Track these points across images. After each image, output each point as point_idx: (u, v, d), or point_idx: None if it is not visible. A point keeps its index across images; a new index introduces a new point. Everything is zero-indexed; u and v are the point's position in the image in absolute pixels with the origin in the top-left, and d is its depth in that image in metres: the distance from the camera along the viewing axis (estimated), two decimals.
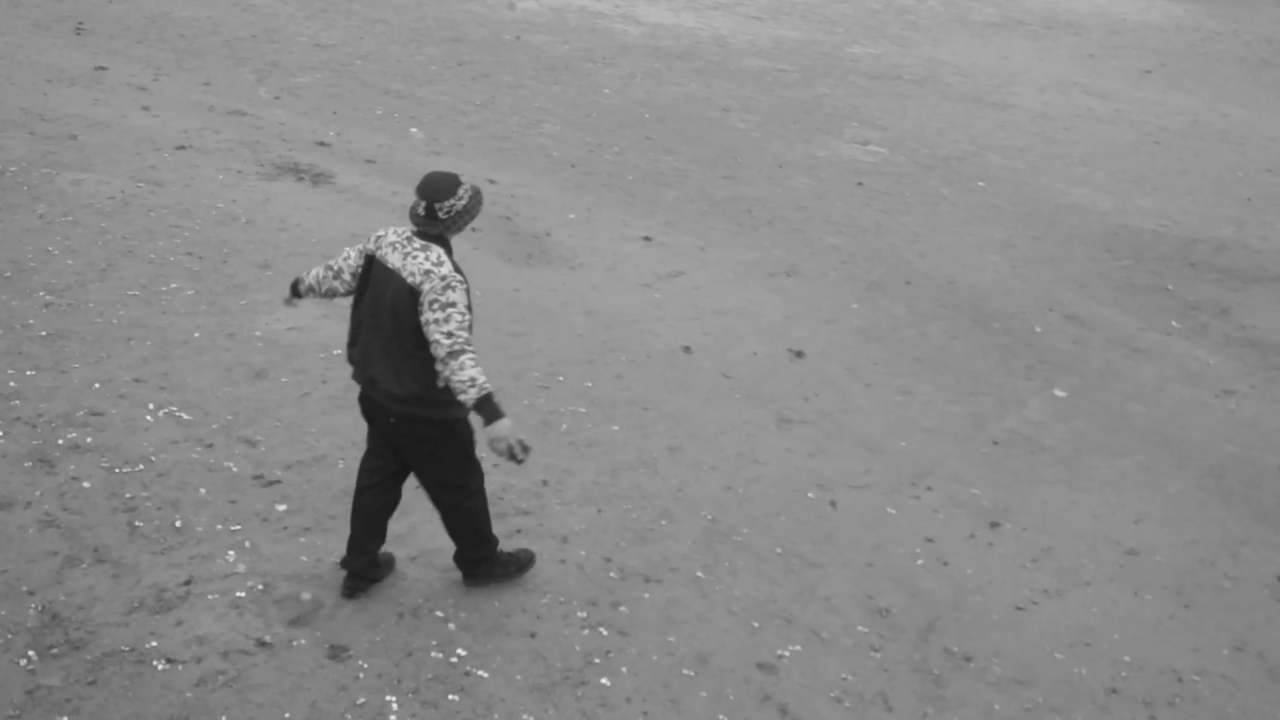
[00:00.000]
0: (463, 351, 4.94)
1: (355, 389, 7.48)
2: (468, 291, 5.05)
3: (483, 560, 5.77)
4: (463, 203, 5.06)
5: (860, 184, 13.58)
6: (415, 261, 4.98)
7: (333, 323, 8.34)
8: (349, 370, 7.65)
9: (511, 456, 5.08)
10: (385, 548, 5.87)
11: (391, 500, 5.62)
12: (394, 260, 5.04)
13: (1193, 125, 19.06)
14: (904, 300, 10.45)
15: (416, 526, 6.28)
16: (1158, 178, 15.66)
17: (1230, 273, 12.36)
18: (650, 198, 12.16)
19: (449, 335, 4.93)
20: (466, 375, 4.94)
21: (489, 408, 4.98)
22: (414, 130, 13.23)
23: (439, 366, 5.00)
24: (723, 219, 11.84)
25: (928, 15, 25.50)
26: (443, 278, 4.94)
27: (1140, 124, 18.58)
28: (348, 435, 6.98)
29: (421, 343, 5.04)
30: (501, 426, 5.00)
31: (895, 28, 24.01)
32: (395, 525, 6.27)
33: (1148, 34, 26.30)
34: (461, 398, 4.97)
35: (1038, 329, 10.27)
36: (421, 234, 5.09)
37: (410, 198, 11.04)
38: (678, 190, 12.50)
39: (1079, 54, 23.85)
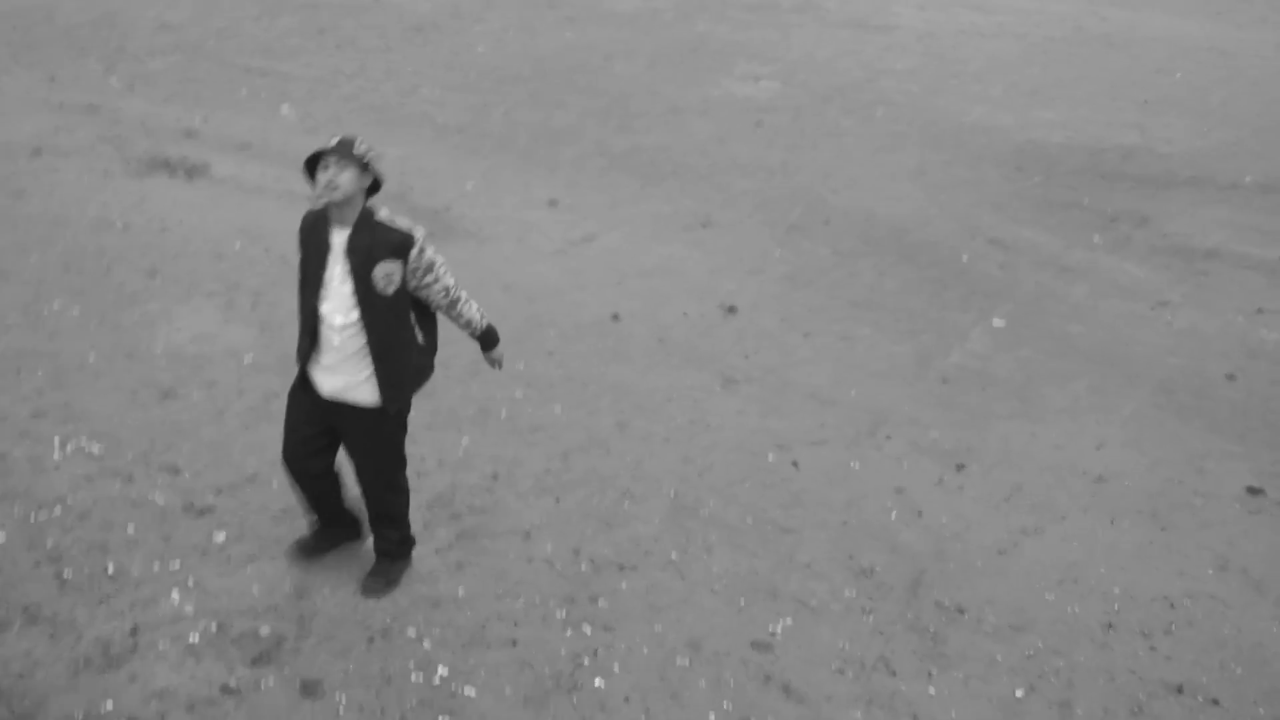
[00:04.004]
0: None
1: (275, 399, 7.21)
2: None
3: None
4: None
5: (760, 122, 13.49)
6: None
7: (237, 328, 8.01)
8: (264, 379, 7.40)
9: None
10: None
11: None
12: None
13: (1076, 31, 19.32)
14: (826, 241, 10.39)
15: (367, 541, 6.04)
16: (1053, 88, 15.82)
17: (1142, 180, 12.53)
18: (548, 157, 11.92)
19: None
20: None
21: None
22: (285, 108, 12.79)
23: None
24: (626, 173, 11.66)
25: None
26: None
27: (1025, 35, 18.76)
28: (276, 450, 6.67)
29: None
30: None
31: None
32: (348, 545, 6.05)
33: None
34: None
35: (964, 257, 10.30)
36: None
37: (292, 181, 10.67)
38: (575, 147, 12.27)
39: None
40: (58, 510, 6.06)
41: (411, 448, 6.77)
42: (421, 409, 7.21)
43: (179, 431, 6.82)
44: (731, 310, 8.96)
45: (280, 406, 7.10)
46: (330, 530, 5.83)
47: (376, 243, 4.94)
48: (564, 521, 6.35)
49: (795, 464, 7.11)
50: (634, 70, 15.20)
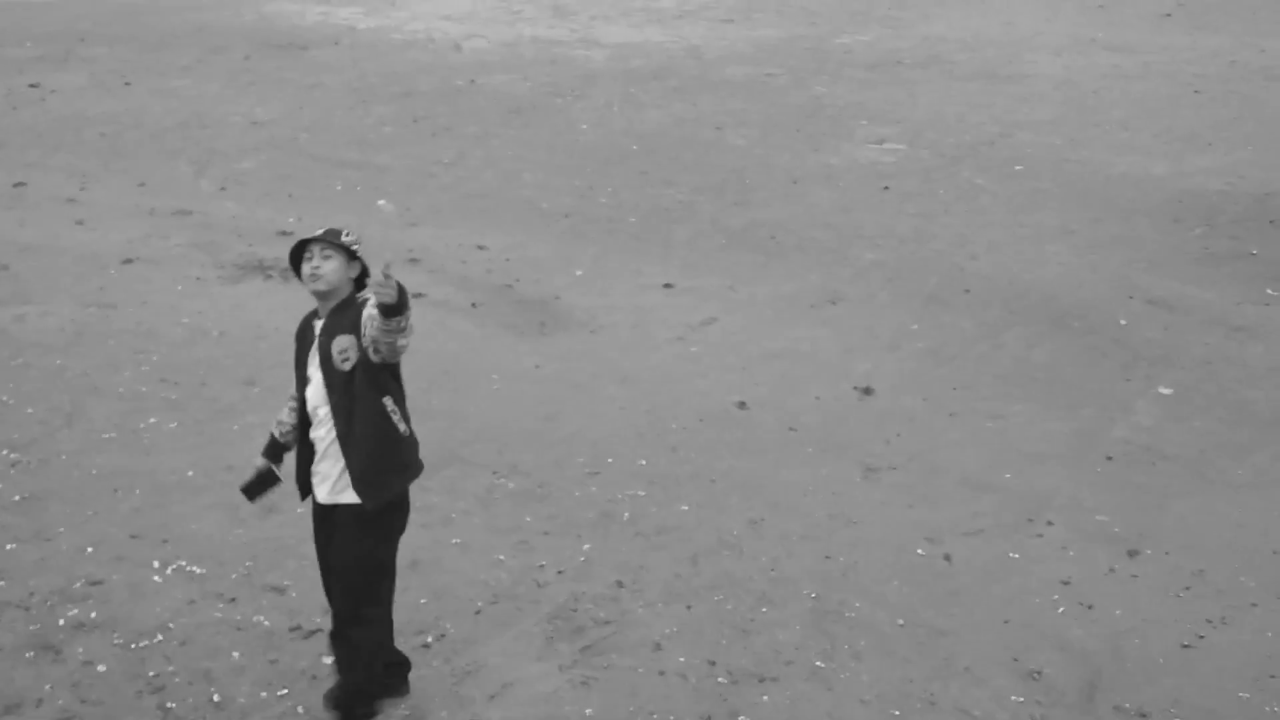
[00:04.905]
0: None
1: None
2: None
3: None
4: None
5: (886, 188, 13.48)
6: None
7: None
8: None
9: None
10: None
11: None
12: None
13: (1231, 67, 19.07)
14: (968, 312, 10.30)
15: (484, 660, 6.05)
16: (1209, 131, 15.60)
17: None
18: (660, 239, 12.03)
19: None
20: None
21: None
22: (381, 202, 13.10)
23: None
24: (745, 250, 11.71)
25: None
26: None
27: (1174, 74, 18.56)
28: None
29: None
30: None
31: (882, 8, 24.06)
32: (461, 659, 6.06)
33: None
34: None
35: (1122, 321, 10.13)
36: None
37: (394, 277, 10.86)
38: (688, 226, 12.37)
39: (1088, 6, 23.93)
40: (159, 637, 6.16)
41: (528, 556, 6.82)
42: (537, 514, 7.26)
43: (283, 549, 6.92)
44: (868, 392, 8.90)
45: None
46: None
47: (342, 321, 5.05)
48: (696, 631, 6.29)
49: (948, 558, 6.99)
50: (748, 141, 15.32)
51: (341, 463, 5.17)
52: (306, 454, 5.33)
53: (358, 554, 5.25)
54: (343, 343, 5.04)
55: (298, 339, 5.31)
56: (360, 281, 5.19)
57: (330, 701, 5.50)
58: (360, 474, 5.15)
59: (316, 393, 5.18)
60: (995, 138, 15.33)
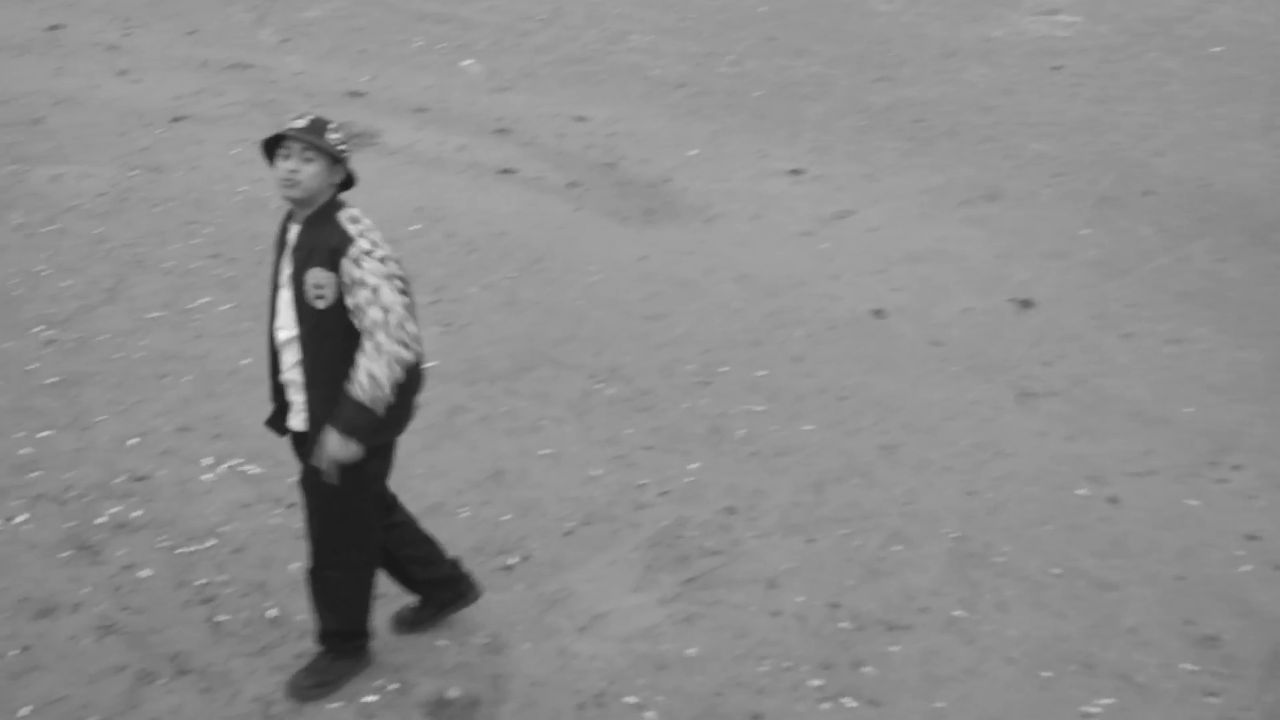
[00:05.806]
0: None
1: (461, 413, 7.41)
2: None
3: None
4: None
5: (1058, 67, 13.29)
6: None
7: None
8: (448, 390, 7.60)
9: None
10: None
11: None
12: None
13: None
14: (1148, 217, 10.17)
15: (573, 587, 6.15)
16: None
17: None
18: (789, 116, 11.97)
19: None
20: None
21: None
22: (468, 62, 13.16)
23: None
24: (888, 134, 11.62)
25: None
26: None
27: None
28: (464, 475, 6.86)
29: None
30: None
31: None
32: (548, 585, 6.17)
33: None
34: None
35: None
36: None
37: (478, 151, 10.95)
38: (822, 103, 12.30)
39: None
40: (210, 542, 6.33)
41: (627, 473, 6.89)
42: (639, 426, 7.33)
43: None
44: (1026, 304, 8.85)
45: (467, 421, 7.34)
46: (432, 599, 5.81)
47: (318, 244, 4.87)
48: (818, 568, 6.34)
49: (1114, 500, 6.96)
50: (894, 6, 15.15)
51: (303, 396, 5.09)
52: (277, 366, 5.23)
53: (329, 498, 5.16)
54: (319, 278, 4.85)
55: (276, 241, 5.12)
56: (345, 185, 4.99)
57: (308, 678, 5.48)
58: (316, 419, 5.05)
59: (284, 313, 5.02)
60: (1190, 12, 15.03)
